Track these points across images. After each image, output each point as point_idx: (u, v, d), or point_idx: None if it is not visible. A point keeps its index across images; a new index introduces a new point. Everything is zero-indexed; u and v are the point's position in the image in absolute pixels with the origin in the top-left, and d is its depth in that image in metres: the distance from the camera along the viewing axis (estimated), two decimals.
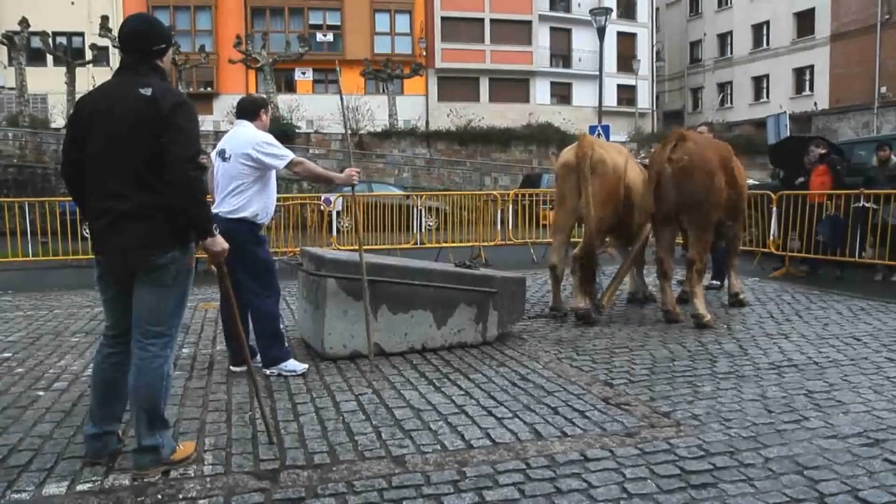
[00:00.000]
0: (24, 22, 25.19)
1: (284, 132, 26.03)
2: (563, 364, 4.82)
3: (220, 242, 3.11)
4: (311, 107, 29.61)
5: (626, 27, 37.96)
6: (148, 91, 2.89)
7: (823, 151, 9.47)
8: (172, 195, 2.89)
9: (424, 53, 33.92)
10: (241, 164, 4.54)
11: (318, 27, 33.67)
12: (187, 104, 2.95)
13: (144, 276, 2.97)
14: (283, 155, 4.53)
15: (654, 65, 39.83)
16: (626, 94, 37.44)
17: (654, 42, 39.89)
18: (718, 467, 3.04)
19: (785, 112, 16.66)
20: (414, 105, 32.93)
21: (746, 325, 6.03)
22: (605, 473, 2.99)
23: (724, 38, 40.24)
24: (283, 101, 27.88)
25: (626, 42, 38.00)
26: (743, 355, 5.00)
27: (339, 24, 33.82)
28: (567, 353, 5.15)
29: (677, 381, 4.37)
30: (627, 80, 36.83)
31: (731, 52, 39.55)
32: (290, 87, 32.93)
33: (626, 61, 36.95)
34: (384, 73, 29.29)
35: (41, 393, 4.25)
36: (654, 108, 39.69)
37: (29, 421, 3.72)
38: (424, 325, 5.16)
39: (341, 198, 12.27)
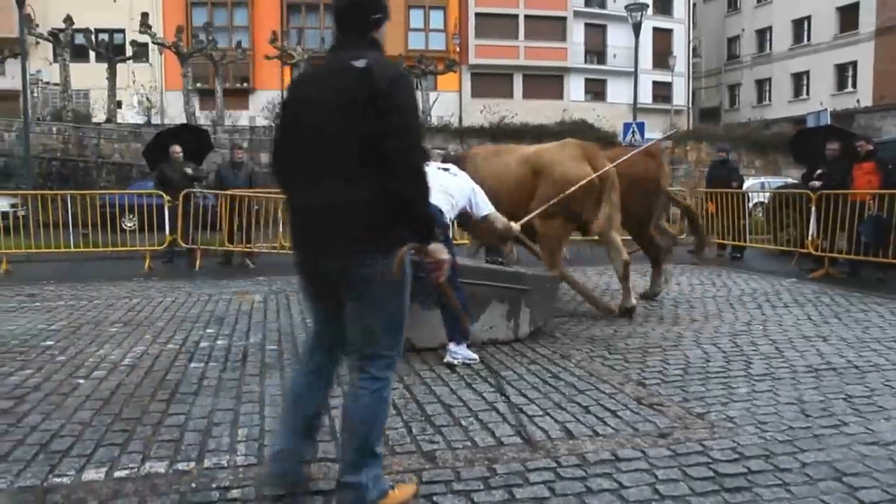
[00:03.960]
0: (68, 20, 25.75)
1: None
2: (594, 363, 4.79)
3: (443, 248, 2.53)
4: None
5: (663, 23, 37.46)
6: (361, 63, 2.40)
7: (871, 148, 9.23)
8: (393, 188, 2.36)
9: (458, 49, 33.88)
10: None
11: None
12: (406, 77, 2.49)
13: (354, 285, 2.47)
14: None
15: (691, 61, 39.23)
16: (662, 91, 36.95)
17: (691, 38, 39.30)
18: (753, 471, 2.99)
19: (826, 109, 16.33)
20: (447, 101, 32.91)
21: (783, 327, 5.92)
22: (637, 474, 2.96)
23: (762, 34, 39.51)
24: None
25: (663, 38, 37.49)
26: (779, 357, 4.92)
27: None
28: (599, 351, 5.12)
29: (711, 382, 4.31)
30: (663, 76, 36.34)
31: (770, 48, 38.81)
32: None
33: (662, 58, 36.44)
34: (418, 69, 29.32)
35: (81, 381, 4.35)
36: (690, 105, 39.11)
37: (70, 408, 3.82)
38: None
39: None
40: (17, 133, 22.08)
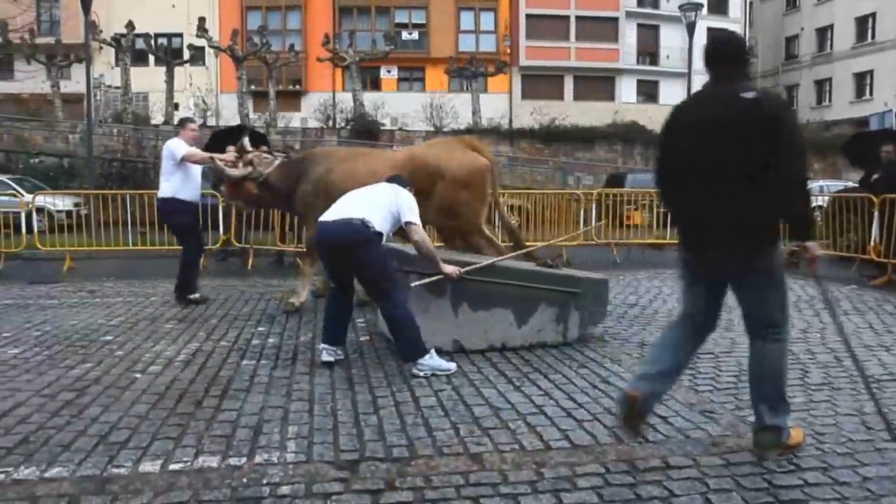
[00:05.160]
0: (129, 25, 26.60)
1: (369, 130, 26.50)
2: None
3: (817, 245, 3.07)
4: (395, 104, 29.98)
5: (718, 22, 36.53)
6: (750, 94, 2.97)
7: None
8: (784, 196, 2.89)
9: (509, 51, 33.81)
10: None
11: (404, 26, 34.08)
12: (788, 103, 3.16)
13: (750, 276, 3.07)
14: None
15: None
16: None
17: (748, 38, 38.38)
18: (810, 483, 2.90)
19: (891, 110, 15.76)
20: (497, 103, 32.85)
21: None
22: (688, 482, 2.91)
23: (823, 33, 38.33)
24: (368, 98, 28.34)
25: None
26: (838, 366, 4.75)
27: (424, 22, 34.12)
28: None
29: None
30: None
31: (831, 47, 37.63)
32: (376, 84, 33.48)
33: None
34: (468, 71, 29.36)
35: (138, 375, 4.48)
36: None
37: (127, 401, 3.93)
38: (504, 323, 5.14)
39: None
40: (80, 135, 22.90)
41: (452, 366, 4.54)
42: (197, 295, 7.19)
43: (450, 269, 4.78)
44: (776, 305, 3.13)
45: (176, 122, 7.49)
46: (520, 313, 5.18)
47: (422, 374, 4.40)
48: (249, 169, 6.53)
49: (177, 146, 7.02)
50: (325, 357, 4.73)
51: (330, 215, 4.59)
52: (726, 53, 3.17)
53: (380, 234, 4.50)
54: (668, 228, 12.62)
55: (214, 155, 6.89)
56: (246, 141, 6.73)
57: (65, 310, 6.81)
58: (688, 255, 3.25)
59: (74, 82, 28.13)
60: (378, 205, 4.61)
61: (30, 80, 25.95)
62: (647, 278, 9.14)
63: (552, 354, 5.05)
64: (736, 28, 37.04)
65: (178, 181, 6.99)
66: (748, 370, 3.29)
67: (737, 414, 3.76)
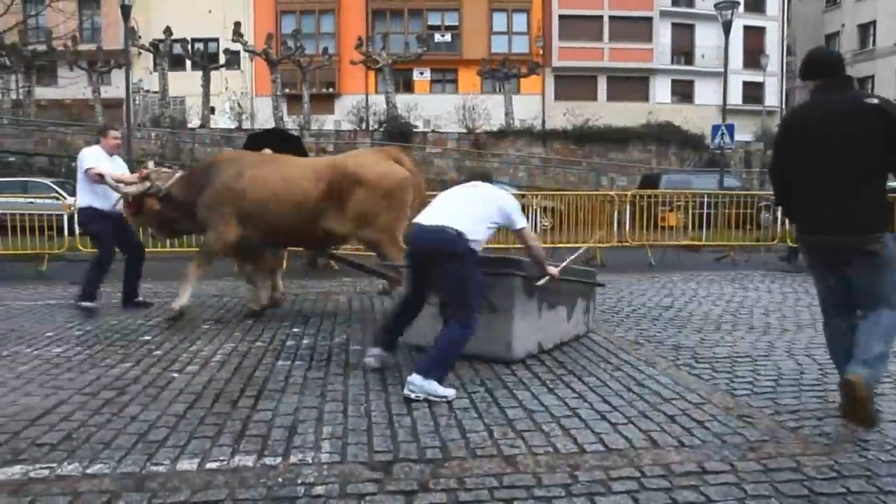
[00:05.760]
0: (167, 31, 27.14)
1: (402, 132, 26.62)
2: (681, 371, 4.66)
3: None
4: (428, 106, 30.08)
5: (755, 21, 36.11)
6: (874, 101, 3.50)
7: None
8: None
9: (542, 52, 33.69)
10: None
11: (437, 28, 34.17)
12: None
13: (861, 258, 3.51)
14: None
15: (785, 60, 37.63)
16: (753, 92, 35.59)
17: (785, 36, 37.71)
18: (853, 492, 2.83)
19: None
20: (530, 104, 32.76)
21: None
22: (725, 488, 2.86)
23: (865, 29, 37.49)
24: (401, 100, 28.47)
25: (754, 36, 36.13)
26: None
27: (457, 24, 34.18)
28: (685, 360, 4.97)
29: (805, 396, 4.11)
30: (754, 76, 35.02)
31: (874, 44, 36.77)
32: (409, 86, 33.61)
33: (754, 57, 35.11)
34: (501, 73, 29.33)
35: (176, 375, 4.55)
36: (784, 105, 37.49)
37: (165, 400, 4.00)
38: (561, 319, 5.31)
39: None
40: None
41: (452, 392, 4.03)
42: (92, 304, 6.87)
43: (553, 269, 4.72)
44: (887, 285, 3.53)
45: (103, 127, 7.21)
46: (569, 309, 5.38)
47: (413, 395, 3.94)
48: (147, 184, 6.34)
49: (87, 157, 6.75)
50: (374, 363, 4.53)
51: (426, 218, 4.32)
52: (829, 63, 3.67)
53: (473, 251, 4.20)
54: (704, 230, 12.51)
55: (107, 174, 6.54)
56: (150, 164, 6.71)
57: (105, 310, 6.95)
58: (811, 239, 3.68)
59: (114, 87, 28.79)
60: (480, 218, 4.27)
61: (72, 86, 26.62)
62: (682, 280, 9.03)
63: (586, 357, 5.02)
64: (773, 26, 36.52)
65: (93, 190, 6.74)
66: (859, 334, 3.57)
67: (775, 419, 3.69)
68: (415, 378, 3.98)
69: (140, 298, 7.13)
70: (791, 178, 3.70)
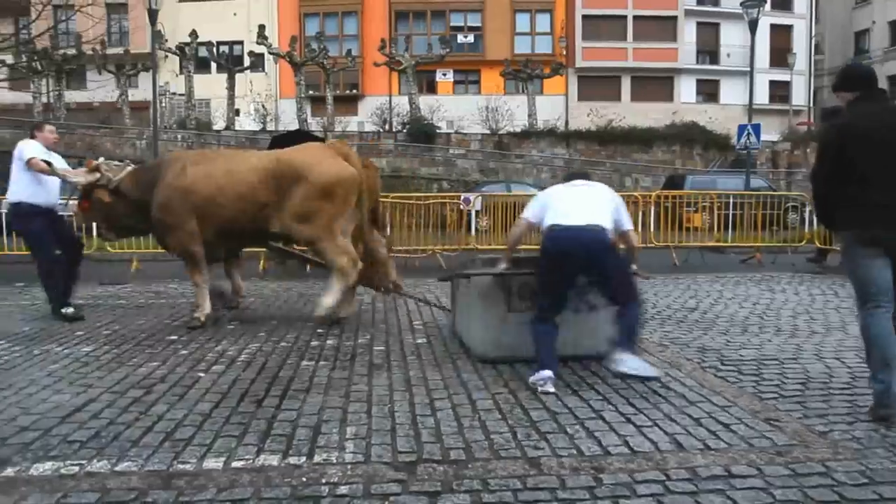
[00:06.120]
0: (193, 34, 27.47)
1: (425, 133, 26.66)
2: (706, 373, 4.61)
3: None
4: (451, 107, 30.11)
5: (781, 19, 35.65)
6: None
7: None
8: None
9: (565, 52, 33.55)
10: None
11: (460, 29, 34.19)
12: None
13: None
14: None
15: (812, 58, 37.09)
16: (780, 91, 35.16)
17: (813, 34, 37.17)
18: (886, 498, 2.78)
19: None
20: (553, 105, 32.65)
21: None
22: (752, 492, 2.82)
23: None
24: (424, 102, 28.52)
25: (781, 35, 35.66)
26: None
27: (479, 25, 34.18)
28: (711, 362, 4.92)
29: (834, 399, 4.05)
30: (781, 75, 34.57)
31: None
32: (432, 88, 33.67)
33: (781, 55, 34.65)
34: (524, 73, 29.26)
35: (202, 374, 4.60)
36: (812, 105, 36.98)
37: (191, 399, 4.05)
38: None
39: (480, 197, 12.39)
40: (146, 141, 23.73)
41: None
42: (70, 310, 6.51)
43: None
44: None
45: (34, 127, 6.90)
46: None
47: (631, 371, 4.07)
48: (97, 175, 6.18)
49: (27, 148, 6.46)
50: (551, 388, 4.16)
51: (572, 219, 4.31)
52: (868, 77, 3.96)
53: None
54: (730, 231, 12.37)
55: (56, 166, 6.38)
56: (101, 159, 6.48)
57: (132, 310, 7.05)
58: (880, 235, 3.73)
59: (141, 90, 29.19)
60: (608, 211, 4.45)
61: (100, 89, 27.02)
62: (707, 282, 8.93)
63: None
64: (801, 24, 36.03)
65: (30, 184, 6.43)
66: None
67: (803, 423, 3.64)
68: (629, 358, 4.10)
69: (71, 310, 6.54)
70: (860, 182, 3.74)
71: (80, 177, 6.27)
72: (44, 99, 28.35)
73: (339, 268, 5.93)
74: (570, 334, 4.67)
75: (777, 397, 4.09)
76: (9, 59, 22.16)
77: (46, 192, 6.54)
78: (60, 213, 6.85)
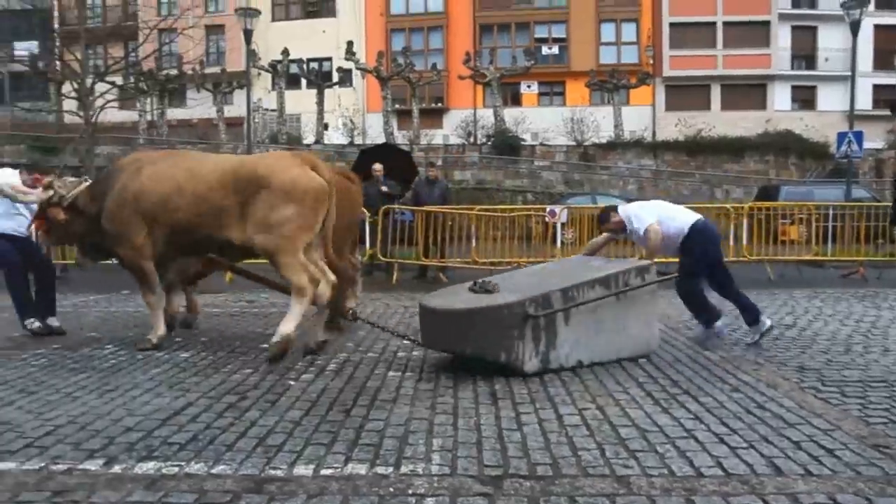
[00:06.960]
0: (285, 52, 28.54)
1: (510, 145, 26.65)
2: (806, 394, 4.39)
3: None
4: (536, 119, 30.00)
5: (887, 19, 33.70)
6: None
7: None
8: None
9: (652, 62, 32.88)
10: None
11: (544, 40, 34.06)
12: None
13: None
14: None
15: None
16: (885, 96, 33.19)
17: None
18: None
19: None
20: (640, 115, 32.03)
21: None
22: None
23: None
24: (509, 114, 28.51)
25: (887, 36, 33.68)
26: None
27: (564, 36, 33.97)
28: (811, 382, 4.68)
29: None
30: (887, 79, 32.69)
31: None
32: (516, 100, 33.61)
33: (886, 57, 32.78)
34: (610, 84, 28.85)
35: (292, 382, 4.73)
36: None
37: (282, 407, 4.16)
38: None
39: (566, 210, 12.28)
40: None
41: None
42: (37, 325, 6.37)
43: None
44: None
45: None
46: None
47: (767, 327, 5.98)
48: (50, 192, 5.91)
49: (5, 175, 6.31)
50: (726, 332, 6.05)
51: (695, 216, 6.19)
52: None
53: None
54: (829, 244, 11.77)
55: (4, 185, 6.19)
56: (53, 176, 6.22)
57: (227, 318, 7.34)
58: None
59: (236, 107, 30.44)
60: None
61: (199, 106, 28.38)
62: (805, 297, 8.53)
63: (701, 376, 4.82)
64: None
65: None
66: None
67: None
68: (765, 321, 5.97)
69: (57, 324, 6.54)
70: None
71: (31, 196, 6.11)
72: (148, 117, 29.97)
73: (298, 287, 5.39)
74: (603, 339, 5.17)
75: (887, 422, 3.84)
76: (118, 80, 23.56)
77: (14, 219, 6.49)
78: (27, 236, 6.71)
